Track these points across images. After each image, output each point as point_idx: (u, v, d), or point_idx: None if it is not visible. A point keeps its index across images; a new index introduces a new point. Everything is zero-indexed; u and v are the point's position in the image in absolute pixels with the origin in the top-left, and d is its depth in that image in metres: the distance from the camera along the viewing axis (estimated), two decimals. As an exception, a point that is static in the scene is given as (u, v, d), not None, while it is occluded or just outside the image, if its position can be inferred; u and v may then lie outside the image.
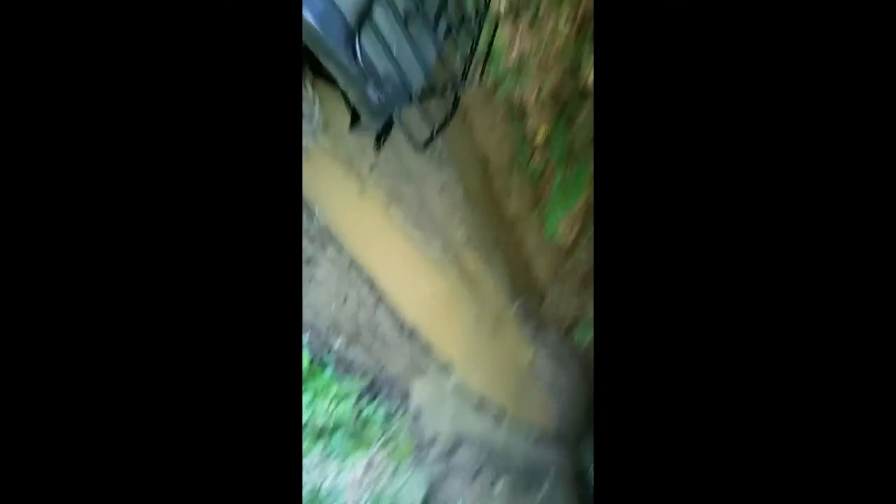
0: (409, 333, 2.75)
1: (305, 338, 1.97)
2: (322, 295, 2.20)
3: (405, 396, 2.62)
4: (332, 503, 1.92)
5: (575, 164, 4.12)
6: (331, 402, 1.89)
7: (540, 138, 3.59)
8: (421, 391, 2.80)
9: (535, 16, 3.03)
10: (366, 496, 2.16)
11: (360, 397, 2.21)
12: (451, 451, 3.00)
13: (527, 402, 4.59)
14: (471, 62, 1.32)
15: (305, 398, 1.78)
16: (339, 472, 2.00)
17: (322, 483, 1.91)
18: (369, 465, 2.19)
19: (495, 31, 1.14)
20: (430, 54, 1.19)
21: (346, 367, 2.22)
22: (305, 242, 2.16)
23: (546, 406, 5.17)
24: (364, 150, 2.45)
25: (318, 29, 0.97)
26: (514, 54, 3.23)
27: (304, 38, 0.98)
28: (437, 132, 1.37)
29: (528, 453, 4.51)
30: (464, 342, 3.44)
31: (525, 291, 4.64)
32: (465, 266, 3.46)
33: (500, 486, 3.61)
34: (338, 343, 2.22)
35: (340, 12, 0.98)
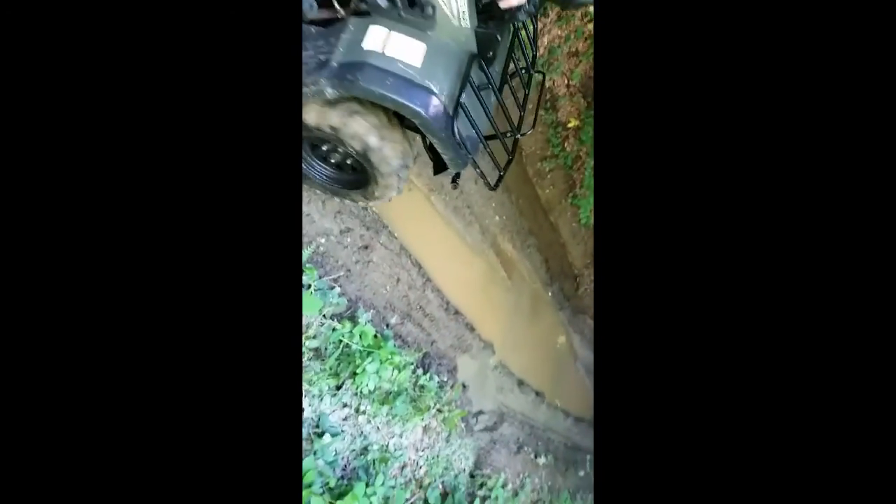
0: (454, 312, 2.95)
1: (368, 315, 2.19)
2: (378, 277, 2.42)
3: (453, 370, 2.82)
4: (398, 458, 2.14)
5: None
6: (393, 371, 2.11)
7: (572, 125, 3.70)
8: (466, 367, 3.00)
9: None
10: (424, 456, 2.37)
11: (415, 368, 2.42)
12: (496, 424, 3.18)
13: (564, 387, 4.69)
14: (524, 111, 1.53)
15: (373, 367, 2.00)
16: (402, 433, 2.21)
17: (390, 441, 2.13)
18: (426, 430, 2.40)
19: (543, 86, 1.33)
20: (492, 105, 1.39)
21: (402, 340, 2.44)
22: (363, 230, 2.38)
23: (584, 391, 5.25)
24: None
25: (429, 119, 1.20)
26: (544, 43, 3.36)
27: (416, 119, 1.22)
28: (504, 172, 1.57)
29: (569, 434, 4.63)
30: (503, 325, 3.59)
31: (560, 277, 4.74)
32: (502, 252, 3.60)
33: (543, 461, 3.76)
34: (393, 319, 2.44)
35: (445, 106, 1.22)
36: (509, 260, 3.71)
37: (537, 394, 3.99)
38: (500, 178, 1.58)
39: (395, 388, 2.16)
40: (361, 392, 2.00)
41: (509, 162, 1.57)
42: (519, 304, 3.92)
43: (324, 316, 1.96)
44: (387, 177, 1.41)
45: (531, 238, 4.02)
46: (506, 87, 1.46)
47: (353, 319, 2.08)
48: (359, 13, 1.21)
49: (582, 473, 4.75)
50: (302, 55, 1.04)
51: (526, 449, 3.58)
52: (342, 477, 1.89)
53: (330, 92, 1.17)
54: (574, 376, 5.05)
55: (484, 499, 2.74)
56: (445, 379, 2.69)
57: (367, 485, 1.83)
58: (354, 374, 1.96)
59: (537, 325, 4.26)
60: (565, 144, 3.97)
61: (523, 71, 1.53)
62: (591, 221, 4.64)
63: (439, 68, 1.19)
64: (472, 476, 2.79)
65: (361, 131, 1.26)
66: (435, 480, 2.42)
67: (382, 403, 2.11)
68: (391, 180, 1.44)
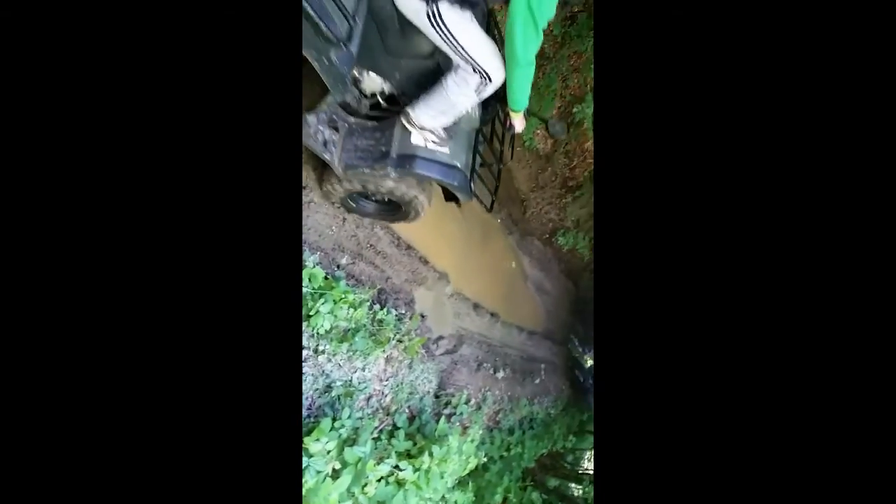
0: (406, 248, 2.93)
1: (315, 257, 2.12)
2: (322, 217, 2.32)
3: (410, 303, 2.87)
4: (362, 391, 2.21)
5: (548, 68, 4.09)
6: (349, 309, 2.10)
7: None
8: (423, 298, 3.06)
9: None
10: (388, 385, 2.47)
11: (372, 304, 2.43)
12: (456, 347, 3.34)
13: (517, 305, 4.96)
14: (502, 147, 1.95)
15: (326, 307, 1.98)
16: (364, 367, 2.27)
17: (353, 375, 2.19)
18: (388, 361, 2.47)
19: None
20: (482, 145, 1.84)
21: (356, 280, 2.42)
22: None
23: (534, 308, 5.60)
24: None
25: (458, 186, 1.70)
26: None
27: (449, 187, 1.73)
28: (495, 196, 2.06)
29: (524, 347, 4.99)
30: (456, 255, 3.64)
31: (508, 203, 4.80)
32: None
33: (501, 374, 4.06)
34: (344, 260, 2.39)
35: (466, 174, 1.72)
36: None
37: (492, 314, 4.20)
38: (493, 202, 2.08)
39: (353, 325, 2.17)
40: (318, 333, 1.99)
41: (497, 187, 2.05)
42: (470, 233, 3.97)
43: (267, 263, 1.87)
44: (419, 211, 2.05)
45: (477, 165, 3.96)
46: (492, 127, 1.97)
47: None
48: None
49: (538, 381, 5.22)
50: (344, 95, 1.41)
51: (485, 366, 3.83)
52: (308, 416, 1.94)
53: (393, 175, 1.66)
54: (525, 294, 5.34)
55: (450, 416, 2.95)
56: (404, 311, 2.74)
57: (333, 419, 1.90)
58: (308, 316, 1.93)
59: (489, 251, 4.37)
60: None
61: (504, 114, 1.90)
62: (535, 144, 4.63)
63: (461, 149, 1.71)
64: (436, 397, 2.96)
65: (411, 192, 1.85)
66: (401, 406, 2.55)
67: (341, 341, 2.12)
68: (421, 212, 2.06)
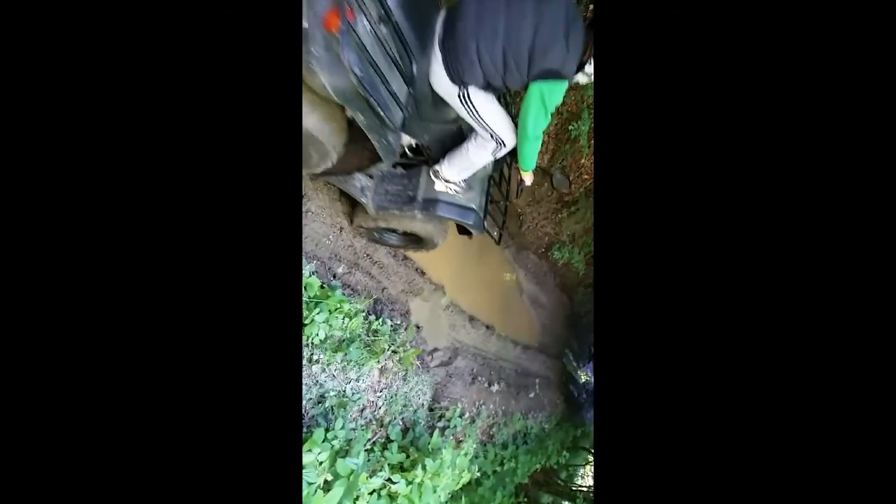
0: (402, 258, 2.94)
1: (312, 266, 2.13)
2: (319, 227, 2.33)
3: (406, 314, 2.87)
4: (356, 402, 2.19)
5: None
6: (344, 318, 2.09)
7: None
8: (419, 309, 3.05)
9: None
10: (382, 397, 2.45)
11: (367, 314, 2.42)
12: (450, 359, 3.33)
13: (512, 318, 4.96)
14: (508, 190, 2.29)
15: (322, 316, 1.97)
16: (358, 377, 2.25)
17: (346, 386, 2.17)
18: (382, 372, 2.46)
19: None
20: (492, 187, 2.10)
21: (352, 290, 2.41)
22: (297, 177, 2.24)
23: (530, 321, 5.59)
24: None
25: (473, 226, 1.94)
26: None
27: (467, 226, 1.97)
28: (502, 228, 2.41)
29: (518, 361, 4.97)
30: (452, 267, 3.65)
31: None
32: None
33: (496, 388, 4.04)
34: (340, 269, 2.39)
35: (480, 215, 1.95)
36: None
37: (487, 327, 4.19)
38: (501, 235, 2.40)
39: (348, 335, 2.16)
40: (312, 342, 1.98)
41: (504, 222, 2.38)
42: (467, 245, 3.98)
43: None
44: (438, 243, 2.33)
45: (475, 178, 3.99)
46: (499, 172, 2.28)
47: (297, 272, 2.02)
48: (426, 161, 1.89)
49: (532, 395, 5.19)
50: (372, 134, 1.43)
51: (480, 379, 3.81)
52: (301, 426, 1.92)
53: (419, 216, 1.94)
54: (520, 308, 5.34)
55: (443, 429, 2.92)
56: (399, 322, 2.73)
57: (326, 430, 1.88)
58: (304, 325, 1.93)
59: (485, 264, 4.38)
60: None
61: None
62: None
63: (476, 193, 1.94)
64: (430, 409, 2.94)
65: (432, 230, 2.14)
66: (395, 418, 2.53)
67: (336, 351, 2.11)
68: (439, 244, 2.34)
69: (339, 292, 2.16)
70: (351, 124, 1.41)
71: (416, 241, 2.38)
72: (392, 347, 2.50)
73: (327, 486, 1.73)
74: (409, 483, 2.11)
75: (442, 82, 1.37)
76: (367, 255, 2.64)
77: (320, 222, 2.33)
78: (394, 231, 2.35)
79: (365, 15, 1.09)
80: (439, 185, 1.85)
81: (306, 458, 1.65)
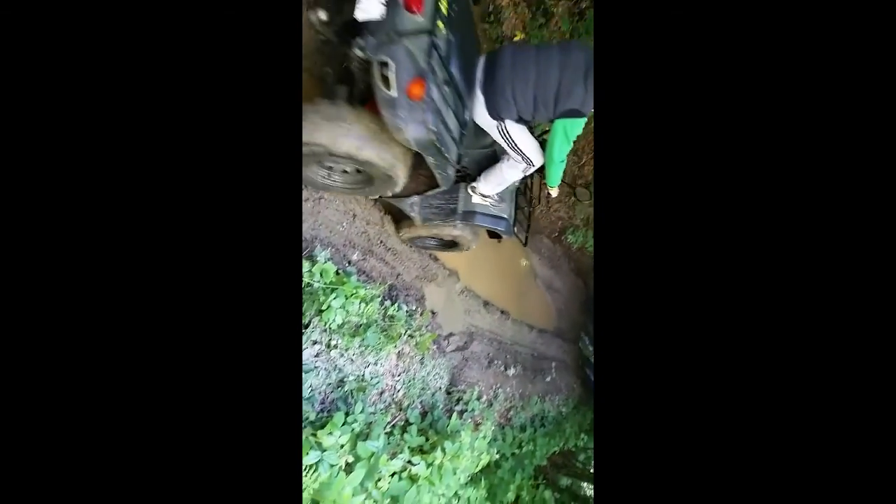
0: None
1: (327, 253, 2.13)
2: (333, 214, 2.33)
3: (421, 299, 2.87)
4: (374, 386, 2.21)
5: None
6: (360, 304, 2.11)
7: (518, 38, 3.52)
8: (433, 295, 3.06)
9: None
10: (400, 380, 2.47)
11: (383, 300, 2.43)
12: (466, 344, 3.34)
13: (527, 303, 4.94)
14: (531, 197, 2.65)
15: (338, 302, 1.99)
16: (376, 362, 2.27)
17: (365, 370, 2.19)
18: (400, 356, 2.47)
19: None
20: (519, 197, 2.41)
21: (367, 276, 2.42)
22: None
23: (545, 306, 5.56)
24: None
25: (505, 231, 2.24)
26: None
27: (499, 232, 2.30)
28: (528, 232, 2.60)
29: (534, 345, 4.96)
30: (466, 253, 3.64)
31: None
32: (459, 179, 3.54)
33: (512, 371, 4.04)
34: (355, 256, 2.40)
35: (510, 222, 2.25)
36: (466, 186, 3.66)
37: (502, 312, 4.18)
38: (527, 238, 2.61)
39: (365, 321, 2.18)
40: (330, 328, 2.00)
41: (529, 226, 2.63)
42: (479, 232, 3.96)
43: (280, 258, 1.88)
44: (471, 247, 2.63)
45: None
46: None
47: (312, 258, 2.03)
48: (465, 179, 2.16)
49: (549, 379, 5.19)
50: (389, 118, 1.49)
51: (496, 363, 3.82)
52: (322, 410, 1.95)
53: (459, 225, 2.25)
54: (535, 292, 5.31)
55: (461, 412, 2.94)
56: (414, 308, 2.74)
57: (346, 414, 1.90)
58: (320, 311, 1.94)
59: (498, 248, 4.35)
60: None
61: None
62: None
63: (506, 203, 2.23)
64: (448, 393, 2.96)
65: (468, 236, 2.41)
66: (414, 401, 2.55)
67: (353, 336, 2.13)
68: (472, 247, 2.66)
69: (354, 278, 2.17)
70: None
71: (453, 245, 2.68)
72: (408, 332, 2.51)
73: (349, 468, 1.76)
74: (428, 465, 2.14)
75: (483, 118, 1.67)
76: (381, 241, 2.64)
77: (333, 209, 2.33)
78: (434, 238, 2.62)
79: (435, 82, 1.32)
80: (476, 199, 2.16)
81: (327, 441, 1.67)
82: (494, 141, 1.78)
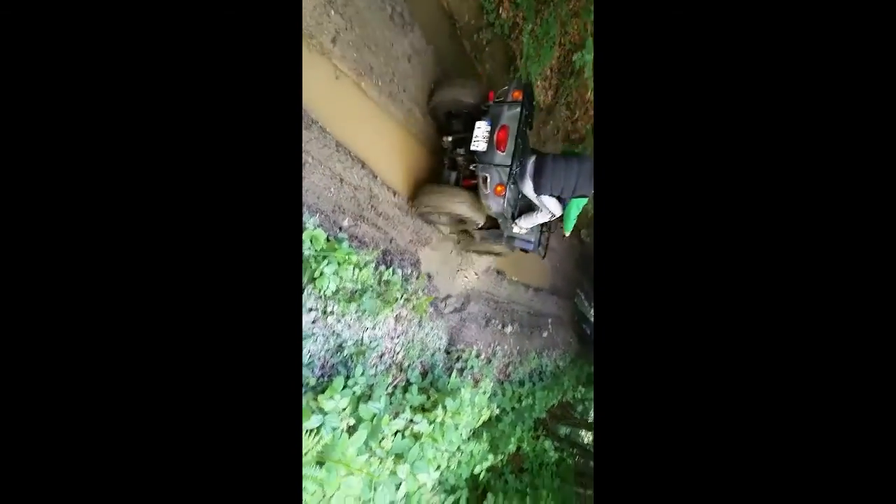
0: (407, 209, 2.88)
1: (316, 220, 2.08)
2: (319, 178, 2.25)
3: (416, 263, 2.85)
4: (374, 349, 2.23)
5: (546, 13, 3.87)
6: (354, 270, 2.08)
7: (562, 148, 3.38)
8: (428, 259, 3.04)
9: None
10: (399, 342, 2.49)
11: (377, 265, 2.41)
12: (464, 305, 3.36)
13: (522, 264, 4.95)
14: (548, 227, 3.53)
15: (330, 269, 1.96)
16: (373, 326, 2.28)
17: (363, 334, 2.20)
18: (397, 319, 2.48)
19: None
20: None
21: (359, 241, 2.38)
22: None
23: (540, 265, 5.58)
24: (321, 22, 2.29)
25: (532, 251, 3.35)
26: None
27: (526, 250, 3.37)
28: (546, 246, 3.58)
29: (530, 303, 5.02)
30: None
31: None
32: (449, 138, 3.44)
33: (509, 329, 4.11)
34: (346, 222, 2.35)
35: (538, 244, 3.39)
36: (456, 145, 3.56)
37: (498, 272, 4.19)
38: (545, 254, 3.64)
39: (360, 286, 2.16)
40: (325, 294, 1.98)
41: (546, 246, 3.58)
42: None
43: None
44: (504, 254, 3.65)
45: (476, 119, 3.84)
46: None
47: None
48: (511, 218, 2.90)
49: (545, 335, 5.29)
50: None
51: (493, 322, 3.86)
52: (322, 375, 1.96)
53: (504, 244, 3.21)
54: (530, 254, 5.32)
55: (461, 370, 3.00)
56: (410, 272, 2.72)
57: (346, 377, 1.92)
58: (313, 278, 1.92)
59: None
60: (500, 10, 3.60)
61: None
62: (536, 95, 4.45)
63: (534, 233, 3.24)
64: (447, 353, 3.00)
65: (507, 251, 3.41)
66: (414, 362, 2.59)
67: (350, 301, 2.12)
68: (504, 255, 3.70)
69: (345, 244, 2.13)
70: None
71: (495, 254, 3.67)
72: (405, 296, 2.51)
73: (352, 430, 1.80)
74: (431, 422, 2.19)
75: (530, 192, 2.74)
76: (372, 206, 2.58)
77: (320, 174, 2.26)
78: (485, 251, 3.59)
79: (508, 186, 2.43)
80: (516, 230, 3.13)
81: (328, 405, 1.69)
82: (531, 201, 2.88)
